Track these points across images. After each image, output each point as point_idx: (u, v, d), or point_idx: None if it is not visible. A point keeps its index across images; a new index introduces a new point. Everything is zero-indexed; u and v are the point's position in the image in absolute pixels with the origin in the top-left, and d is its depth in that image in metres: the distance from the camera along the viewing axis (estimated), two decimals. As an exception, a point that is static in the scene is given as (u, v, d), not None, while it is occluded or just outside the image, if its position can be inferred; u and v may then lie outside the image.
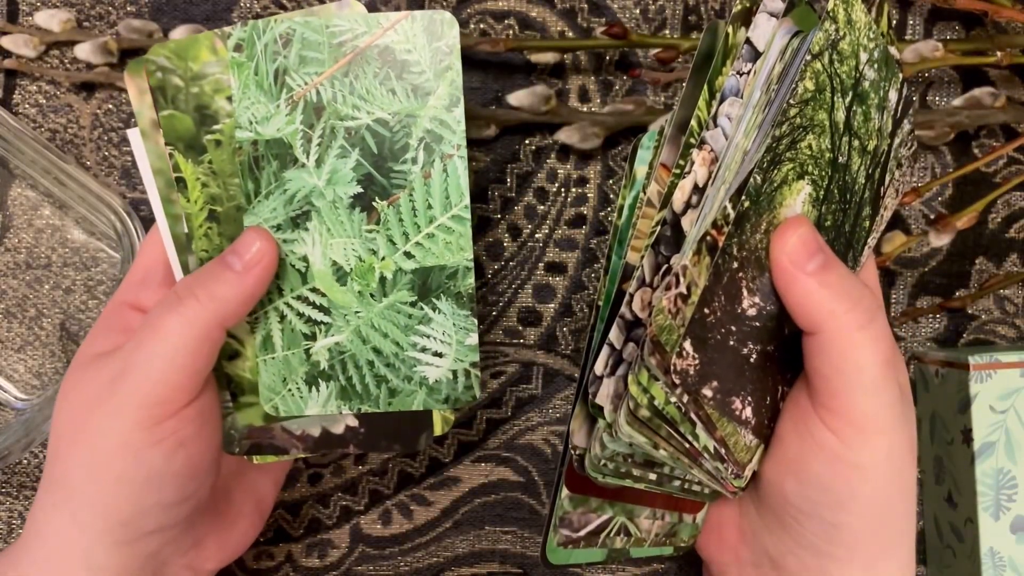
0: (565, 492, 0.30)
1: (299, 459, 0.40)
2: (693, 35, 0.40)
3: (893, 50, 0.30)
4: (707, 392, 0.27)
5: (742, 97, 0.28)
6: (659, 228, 0.28)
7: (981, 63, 0.37)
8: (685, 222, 0.28)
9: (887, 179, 0.31)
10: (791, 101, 0.27)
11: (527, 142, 0.40)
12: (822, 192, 0.28)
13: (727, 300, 0.26)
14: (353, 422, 0.32)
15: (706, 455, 0.28)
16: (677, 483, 0.31)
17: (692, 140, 0.28)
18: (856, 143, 0.29)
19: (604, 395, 0.28)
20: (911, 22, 0.41)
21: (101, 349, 0.30)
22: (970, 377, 0.36)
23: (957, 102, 0.39)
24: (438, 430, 0.32)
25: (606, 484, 0.30)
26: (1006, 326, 0.41)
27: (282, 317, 0.31)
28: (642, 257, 0.28)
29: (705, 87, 0.28)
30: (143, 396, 0.28)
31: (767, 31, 0.28)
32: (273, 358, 0.31)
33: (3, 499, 0.40)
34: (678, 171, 0.28)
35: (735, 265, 0.26)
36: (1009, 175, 0.41)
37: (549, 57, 0.39)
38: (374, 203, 0.30)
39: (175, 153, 0.30)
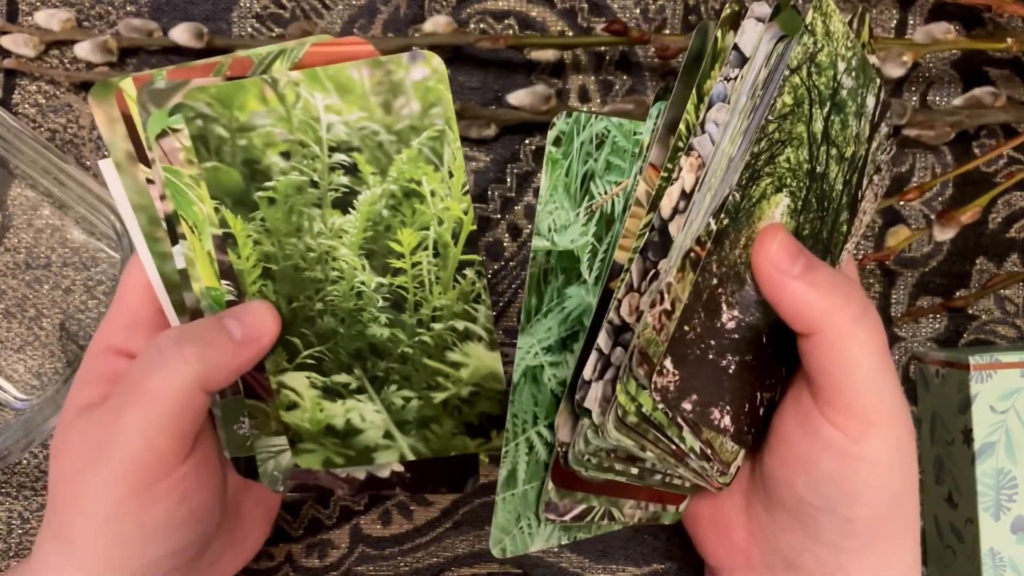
0: (551, 485, 0.30)
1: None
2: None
3: (872, 57, 0.30)
4: (686, 406, 0.27)
5: (729, 103, 0.28)
6: (647, 233, 0.28)
7: (992, 47, 0.37)
8: (672, 227, 0.28)
9: (864, 184, 0.31)
10: (770, 117, 0.27)
11: (527, 142, 0.40)
12: (800, 203, 0.28)
13: (707, 316, 0.27)
14: (399, 468, 0.32)
15: (692, 456, 0.28)
16: (658, 477, 0.31)
17: (680, 144, 0.28)
18: (834, 151, 0.29)
19: (592, 399, 0.28)
20: (911, 21, 0.41)
21: (87, 401, 0.29)
22: (970, 377, 0.36)
23: (957, 102, 0.39)
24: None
25: (591, 478, 0.30)
26: (1006, 326, 0.41)
27: (531, 448, 0.29)
28: (630, 261, 0.28)
29: (694, 90, 0.28)
30: (131, 464, 0.27)
31: (754, 36, 0.28)
32: (513, 494, 0.30)
33: (3, 499, 0.40)
34: (666, 175, 0.28)
35: (714, 282, 0.27)
36: (1009, 174, 0.41)
37: (549, 55, 0.39)
38: None
39: (222, 208, 0.28)
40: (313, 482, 0.32)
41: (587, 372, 0.28)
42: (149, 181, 0.29)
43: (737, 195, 0.27)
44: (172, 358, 0.27)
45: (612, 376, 0.28)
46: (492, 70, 0.40)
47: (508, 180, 0.40)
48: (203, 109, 0.27)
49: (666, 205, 0.28)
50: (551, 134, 0.28)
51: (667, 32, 0.40)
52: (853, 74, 0.29)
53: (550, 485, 0.30)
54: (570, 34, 0.40)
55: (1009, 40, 0.37)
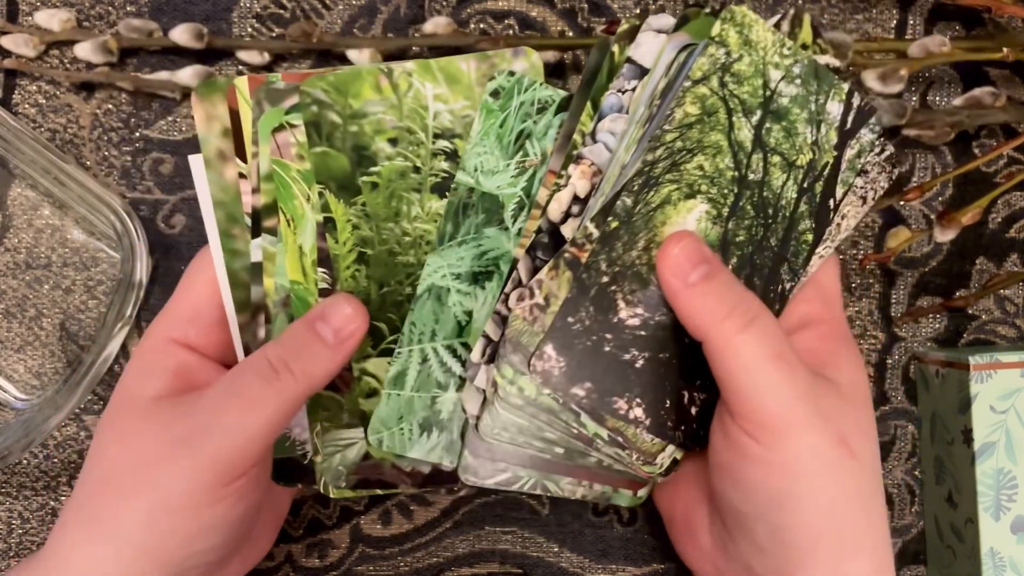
0: (467, 453, 0.31)
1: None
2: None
3: (828, 60, 0.30)
4: (578, 391, 0.28)
5: (627, 113, 0.29)
6: (536, 235, 0.29)
7: (988, 59, 0.37)
8: (566, 230, 0.29)
9: (839, 190, 0.31)
10: (667, 127, 0.28)
11: (527, 142, 0.40)
12: (725, 209, 0.29)
13: (597, 311, 0.28)
14: None
15: (600, 440, 0.29)
16: (593, 460, 0.31)
17: (573, 153, 0.29)
18: (776, 159, 0.29)
19: (481, 380, 0.30)
20: (911, 22, 0.41)
21: (158, 392, 0.29)
22: (970, 377, 0.36)
23: (957, 102, 0.39)
24: None
25: (510, 450, 0.31)
26: (1006, 326, 0.41)
27: (424, 359, 0.31)
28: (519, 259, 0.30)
29: (588, 102, 0.30)
30: (220, 462, 0.27)
31: (652, 48, 0.29)
32: (399, 394, 0.31)
33: (3, 499, 0.40)
34: (557, 181, 0.29)
35: (604, 280, 0.28)
36: (1010, 175, 0.41)
37: (549, 56, 0.39)
38: None
39: (326, 193, 0.29)
40: (377, 476, 0.32)
41: (475, 356, 0.29)
42: (241, 176, 0.30)
43: (628, 200, 0.28)
44: (283, 373, 0.28)
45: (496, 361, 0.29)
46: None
47: (508, 180, 0.40)
48: (320, 96, 0.29)
49: (554, 209, 0.29)
50: (490, 85, 0.30)
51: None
52: (797, 81, 0.29)
53: (466, 451, 0.31)
54: (570, 34, 0.40)
55: (1005, 50, 0.37)
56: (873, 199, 0.32)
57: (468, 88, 0.30)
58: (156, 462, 0.28)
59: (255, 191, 0.30)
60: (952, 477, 0.37)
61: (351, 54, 0.38)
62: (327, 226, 0.30)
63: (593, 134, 0.29)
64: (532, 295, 0.28)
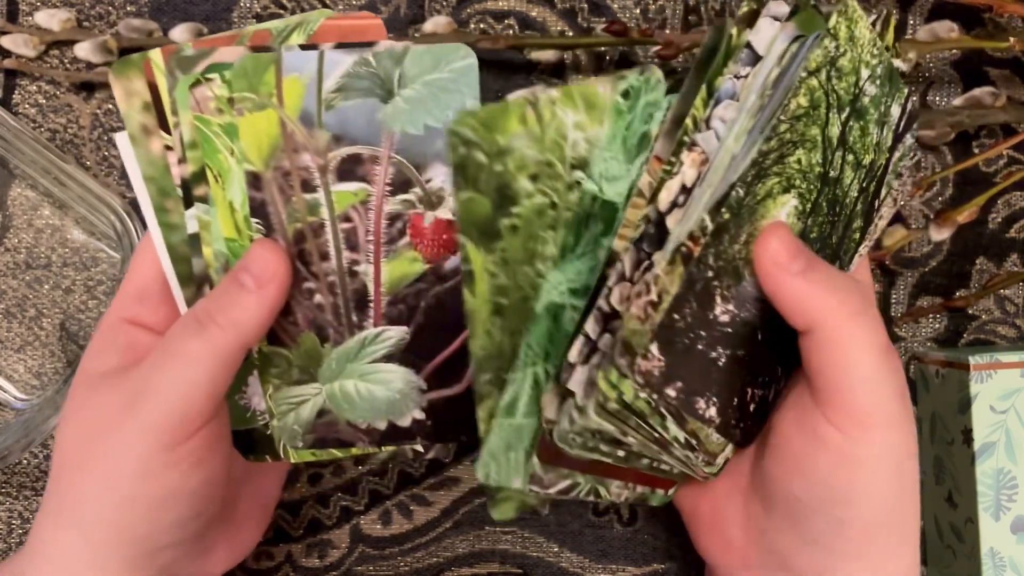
0: (536, 460, 0.30)
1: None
2: (692, 33, 0.40)
3: (898, 63, 0.30)
4: (671, 392, 0.27)
5: (738, 100, 0.28)
6: (644, 226, 0.28)
7: (995, 46, 0.37)
8: (670, 221, 0.28)
9: (883, 191, 0.31)
10: (782, 117, 0.27)
11: (527, 142, 0.40)
12: (809, 205, 0.28)
13: (699, 307, 0.27)
14: (420, 415, 0.32)
15: (676, 444, 0.29)
16: (645, 462, 0.31)
17: (685, 139, 0.28)
18: (851, 157, 0.29)
19: (576, 382, 0.28)
20: (911, 21, 0.41)
21: (106, 367, 0.30)
22: (970, 377, 0.36)
23: (957, 102, 0.39)
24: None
25: (577, 456, 0.30)
26: (1006, 326, 0.41)
27: (536, 383, 0.29)
28: (626, 251, 0.28)
29: (704, 86, 0.28)
30: (163, 420, 0.27)
31: (769, 35, 0.28)
32: (510, 424, 0.29)
33: (3, 499, 0.40)
34: (668, 168, 0.28)
35: (710, 274, 0.27)
36: (1009, 174, 0.41)
37: (549, 55, 0.39)
38: None
39: (467, 243, 0.26)
40: (334, 435, 0.32)
41: (572, 355, 0.28)
42: (168, 148, 0.30)
43: (741, 191, 0.27)
44: (208, 324, 0.28)
45: (598, 361, 0.28)
46: (492, 70, 0.40)
47: (508, 180, 0.40)
48: (468, 135, 0.26)
49: (664, 198, 0.28)
50: (621, 85, 0.28)
51: (667, 32, 0.40)
52: (878, 82, 0.29)
53: (536, 459, 0.30)
54: (570, 34, 0.40)
55: (1012, 39, 0.37)
56: (901, 201, 0.32)
57: (603, 112, 0.28)
58: (103, 431, 0.28)
59: (181, 161, 0.30)
60: (952, 477, 0.37)
61: (351, 54, 0.38)
62: (466, 279, 0.27)
63: (708, 120, 0.28)
64: (648, 291, 0.26)
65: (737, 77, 0.28)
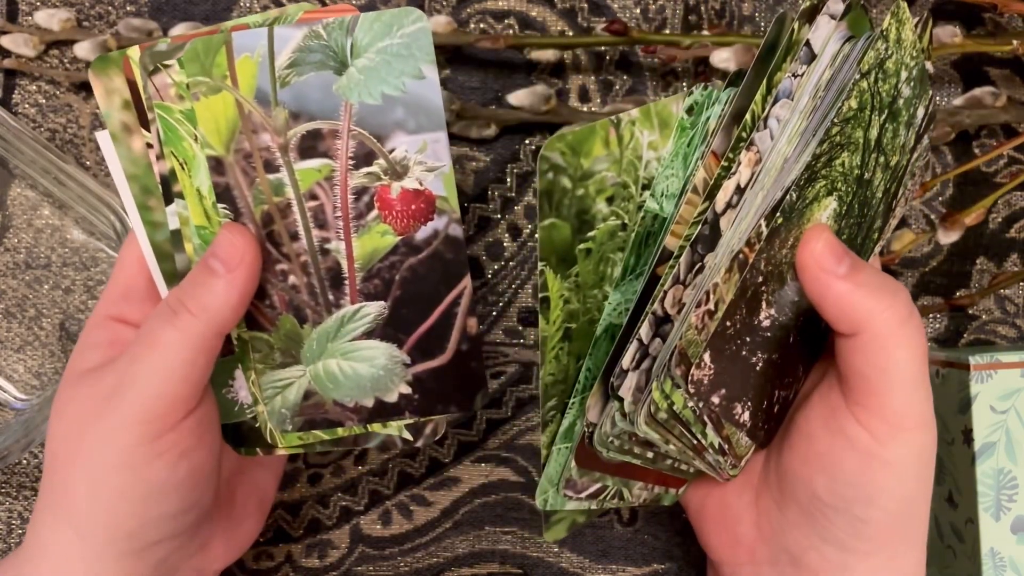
0: (574, 464, 0.30)
1: (299, 459, 0.40)
2: (693, 33, 0.40)
3: (929, 66, 0.30)
4: (715, 399, 0.27)
5: (793, 99, 0.28)
6: (699, 228, 0.27)
7: (998, 50, 0.37)
8: (723, 222, 0.27)
9: (900, 192, 0.31)
10: (835, 119, 0.26)
11: (527, 142, 0.40)
12: (845, 208, 0.28)
13: (748, 312, 0.27)
14: (406, 389, 0.32)
15: (711, 450, 0.29)
16: (669, 462, 0.31)
17: (744, 136, 0.28)
18: (882, 159, 0.29)
19: (627, 388, 0.28)
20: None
21: (90, 364, 0.30)
22: (970, 377, 0.36)
23: (958, 102, 0.39)
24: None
25: (610, 459, 0.30)
26: (1007, 326, 0.41)
27: None
28: (681, 250, 0.28)
29: (764, 81, 0.28)
30: (143, 410, 0.27)
31: (826, 33, 0.28)
32: (568, 447, 0.30)
33: (3, 499, 0.40)
34: (726, 166, 0.28)
35: (760, 279, 0.27)
36: (1010, 175, 0.41)
37: (549, 55, 0.39)
38: None
39: (546, 270, 0.27)
40: (321, 416, 0.32)
41: (626, 361, 0.28)
42: (149, 146, 0.29)
43: (794, 195, 0.26)
44: (180, 311, 0.28)
45: (648, 366, 0.28)
46: (492, 70, 0.40)
47: (508, 180, 0.40)
48: (557, 160, 0.26)
49: (721, 199, 0.27)
50: (687, 101, 0.28)
51: (667, 32, 0.40)
52: (912, 84, 0.28)
53: (573, 463, 0.30)
54: (570, 34, 0.40)
55: (1015, 42, 0.37)
56: (911, 200, 0.32)
57: (672, 130, 0.28)
58: (85, 424, 0.28)
59: (160, 157, 0.29)
60: (952, 477, 0.37)
61: (351, 54, 0.38)
62: (542, 306, 0.27)
63: (765, 118, 0.27)
64: (708, 300, 0.26)
65: (794, 75, 0.28)
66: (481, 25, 0.40)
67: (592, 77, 0.40)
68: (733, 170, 0.27)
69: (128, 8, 0.40)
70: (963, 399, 0.36)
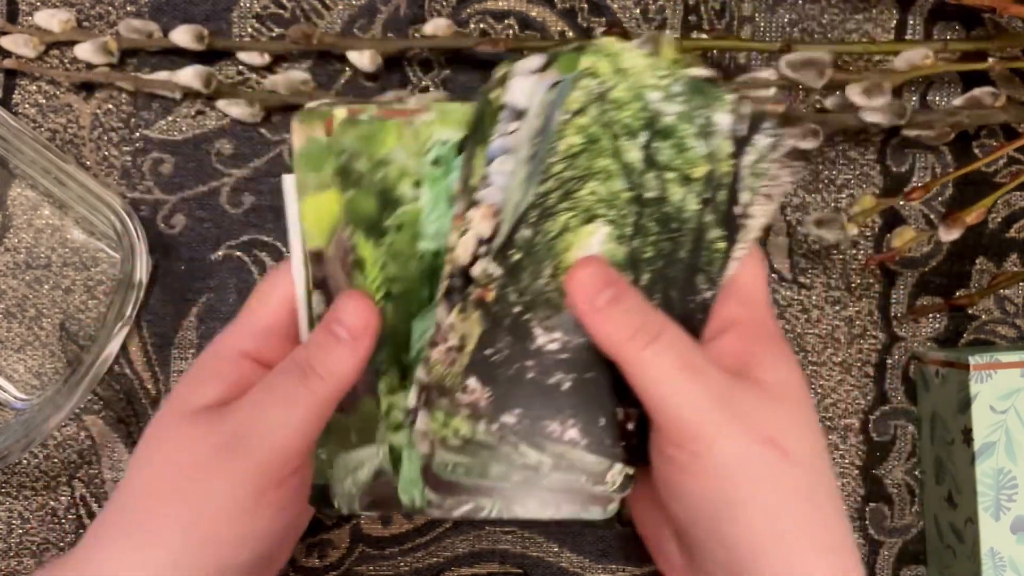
0: (428, 488, 0.32)
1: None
2: (694, 35, 0.40)
3: (702, 72, 0.30)
4: (508, 419, 0.30)
5: (515, 153, 0.30)
6: (448, 281, 0.30)
7: (973, 69, 0.38)
8: (475, 271, 0.30)
9: (746, 196, 0.31)
10: (551, 160, 0.29)
11: (527, 142, 0.40)
12: (627, 228, 0.30)
13: (515, 340, 0.29)
14: None
15: (544, 468, 0.31)
16: (545, 483, 0.32)
17: (474, 199, 0.30)
18: (671, 175, 0.30)
19: (422, 424, 0.30)
20: (911, 22, 0.41)
21: (206, 400, 0.29)
22: (970, 377, 0.36)
23: (957, 102, 0.39)
24: None
25: (457, 482, 0.32)
26: (1006, 326, 0.41)
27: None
28: (438, 305, 0.30)
29: (478, 148, 0.30)
30: (263, 463, 0.28)
31: (525, 89, 0.30)
32: (416, 454, 0.32)
33: (3, 499, 0.40)
34: (461, 227, 0.30)
35: (517, 309, 0.29)
36: (1010, 175, 0.41)
37: (549, 57, 0.39)
38: None
39: (357, 232, 0.31)
40: (388, 494, 0.32)
41: (411, 401, 0.30)
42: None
43: (527, 232, 0.29)
44: (310, 373, 0.28)
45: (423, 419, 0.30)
46: (491, 70, 0.40)
47: (508, 180, 0.40)
48: (351, 145, 0.30)
49: (461, 254, 0.30)
50: (428, 157, 0.31)
51: (667, 32, 0.40)
52: (680, 99, 0.30)
53: (427, 488, 0.31)
54: (570, 35, 0.40)
55: (991, 60, 0.37)
56: (781, 195, 0.33)
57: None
58: (198, 470, 0.28)
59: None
60: (952, 477, 0.37)
61: (351, 55, 0.38)
62: (354, 269, 0.31)
63: (484, 178, 0.30)
64: (446, 339, 0.29)
65: (505, 135, 0.30)
66: (481, 25, 0.40)
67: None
68: (468, 226, 0.30)
69: (128, 8, 0.40)
70: (963, 399, 0.36)
